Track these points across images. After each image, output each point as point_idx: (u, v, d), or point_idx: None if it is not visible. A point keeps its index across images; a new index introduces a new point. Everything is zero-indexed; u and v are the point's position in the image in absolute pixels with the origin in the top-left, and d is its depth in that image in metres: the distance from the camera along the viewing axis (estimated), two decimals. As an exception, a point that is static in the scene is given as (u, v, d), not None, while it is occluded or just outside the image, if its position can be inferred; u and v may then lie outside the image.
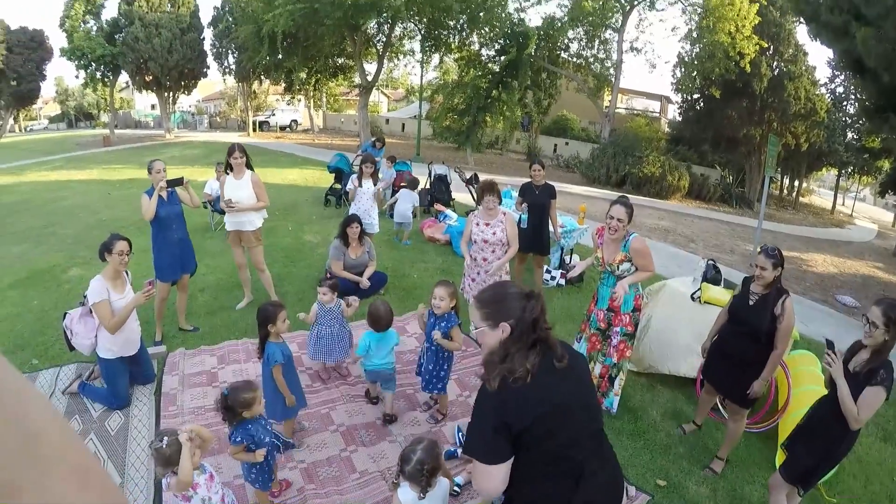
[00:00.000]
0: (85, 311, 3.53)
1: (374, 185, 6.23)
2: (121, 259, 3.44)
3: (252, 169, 4.87)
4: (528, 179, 5.67)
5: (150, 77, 24.54)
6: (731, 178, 24.12)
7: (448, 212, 8.00)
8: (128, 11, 23.30)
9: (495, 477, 1.61)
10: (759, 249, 3.03)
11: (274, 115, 34.03)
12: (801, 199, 29.19)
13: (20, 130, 39.56)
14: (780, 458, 3.04)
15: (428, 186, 9.83)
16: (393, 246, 7.55)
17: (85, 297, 3.47)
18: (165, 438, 2.13)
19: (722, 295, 4.32)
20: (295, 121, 34.70)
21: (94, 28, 24.21)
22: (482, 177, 9.87)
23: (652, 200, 17.59)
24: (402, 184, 8.57)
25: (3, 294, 5.69)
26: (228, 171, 4.82)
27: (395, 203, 8.09)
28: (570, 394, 1.71)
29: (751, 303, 3.04)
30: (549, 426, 1.63)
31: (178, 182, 4.36)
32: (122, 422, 3.51)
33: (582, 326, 3.90)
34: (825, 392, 2.71)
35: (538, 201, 5.49)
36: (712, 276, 4.93)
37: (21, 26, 27.21)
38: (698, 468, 3.34)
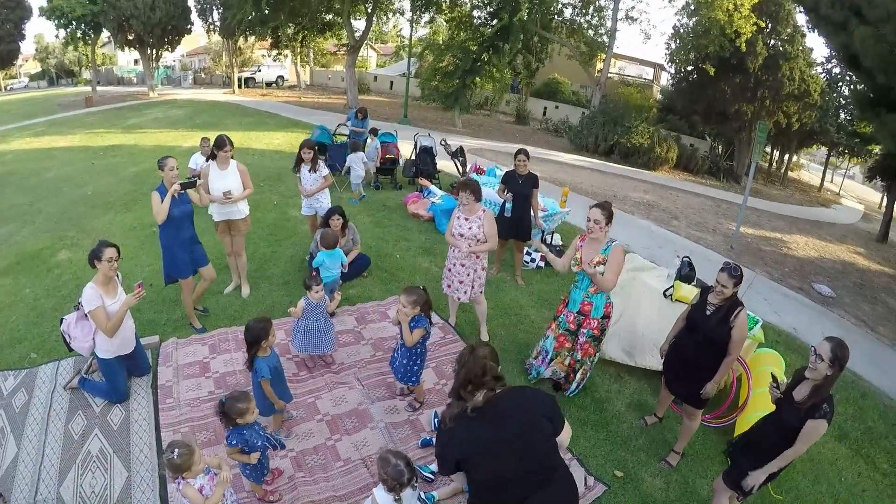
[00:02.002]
0: (80, 314, 3.61)
1: (312, 171, 5.80)
2: (110, 265, 3.46)
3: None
4: (512, 168, 5.76)
5: (133, 35, 23.69)
6: (720, 149, 24.15)
7: (433, 188, 8.07)
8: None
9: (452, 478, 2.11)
10: (721, 267, 3.13)
11: (260, 70, 33.21)
12: (789, 173, 29.37)
13: (0, 89, 38.28)
14: (729, 458, 3.31)
15: (413, 158, 9.76)
16: (376, 224, 7.57)
17: (80, 302, 3.53)
18: (177, 450, 2.31)
19: (692, 293, 4.41)
20: (281, 77, 34.03)
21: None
22: (470, 143, 9.80)
23: (639, 171, 17.64)
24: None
25: (-4, 283, 5.66)
26: (210, 160, 4.80)
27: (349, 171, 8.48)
28: (497, 442, 1.98)
29: (707, 313, 3.20)
30: (475, 465, 1.98)
31: (192, 185, 4.37)
32: (124, 416, 3.70)
33: (550, 324, 4.10)
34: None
35: (521, 191, 5.64)
36: (686, 273, 5.09)
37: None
38: (655, 460, 3.59)
